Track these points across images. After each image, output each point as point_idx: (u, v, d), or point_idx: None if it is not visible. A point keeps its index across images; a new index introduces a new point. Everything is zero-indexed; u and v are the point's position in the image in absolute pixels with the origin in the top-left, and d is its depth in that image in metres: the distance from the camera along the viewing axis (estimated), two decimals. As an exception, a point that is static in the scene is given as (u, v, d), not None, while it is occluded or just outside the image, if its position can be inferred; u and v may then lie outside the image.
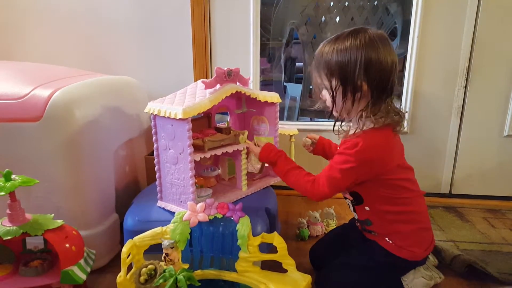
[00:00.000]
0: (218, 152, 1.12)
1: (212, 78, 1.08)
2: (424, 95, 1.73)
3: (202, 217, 1.00)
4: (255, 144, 1.18)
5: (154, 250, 0.99)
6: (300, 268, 1.00)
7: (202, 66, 1.80)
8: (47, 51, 1.89)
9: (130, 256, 0.97)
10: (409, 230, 1.02)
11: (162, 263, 0.96)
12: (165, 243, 0.96)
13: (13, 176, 0.93)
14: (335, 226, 1.49)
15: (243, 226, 0.99)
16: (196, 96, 1.08)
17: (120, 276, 0.94)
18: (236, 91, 1.13)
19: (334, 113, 1.03)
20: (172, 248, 0.96)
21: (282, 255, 0.99)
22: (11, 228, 0.93)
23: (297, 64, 2.50)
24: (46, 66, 1.52)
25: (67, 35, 1.86)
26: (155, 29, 1.81)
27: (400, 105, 1.59)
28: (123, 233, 1.10)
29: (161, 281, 0.91)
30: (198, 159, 1.06)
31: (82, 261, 0.98)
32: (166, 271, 0.93)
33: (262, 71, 1.95)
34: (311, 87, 2.35)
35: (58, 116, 1.09)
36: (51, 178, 1.12)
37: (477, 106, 1.74)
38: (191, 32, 1.77)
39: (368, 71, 0.92)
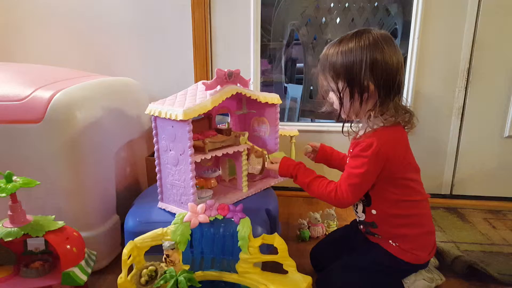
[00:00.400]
0: (219, 153, 1.12)
1: (213, 79, 1.08)
2: (425, 96, 1.73)
3: (203, 218, 1.00)
4: (271, 162, 1.16)
5: (155, 251, 0.99)
6: (300, 269, 1.00)
7: (203, 67, 1.80)
8: (48, 53, 1.89)
9: (131, 257, 0.97)
10: (414, 233, 1.02)
11: (163, 264, 0.96)
12: (166, 244, 0.96)
13: (14, 178, 0.94)
14: (335, 227, 1.49)
15: (244, 227, 0.99)
16: (197, 98, 1.08)
17: (121, 277, 0.94)
18: (237, 93, 1.14)
19: (342, 115, 1.02)
20: (172, 249, 0.96)
21: (283, 256, 0.99)
22: (12, 229, 0.93)
23: (297, 65, 2.50)
24: (47, 68, 1.52)
25: (68, 37, 1.87)
26: (156, 30, 1.81)
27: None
28: (124, 234, 1.11)
29: (161, 282, 0.92)
30: (198, 160, 1.06)
31: (83, 263, 0.98)
32: (167, 272, 0.93)
33: (263, 72, 1.95)
34: (311, 88, 2.35)
35: (59, 117, 1.09)
36: (52, 179, 1.12)
37: (477, 107, 1.74)
38: (191, 34, 1.77)
39: (374, 71, 0.93)
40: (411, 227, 1.02)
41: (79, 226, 1.09)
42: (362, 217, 1.07)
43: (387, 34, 0.96)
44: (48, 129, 1.09)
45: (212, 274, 1.03)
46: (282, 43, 2.32)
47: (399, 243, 1.02)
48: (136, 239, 0.99)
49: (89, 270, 1.00)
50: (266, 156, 1.29)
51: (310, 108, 2.38)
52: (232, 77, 1.12)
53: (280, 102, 1.27)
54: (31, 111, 1.09)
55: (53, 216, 1.02)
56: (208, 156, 1.09)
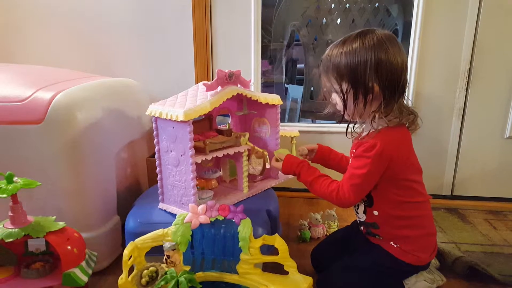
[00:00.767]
0: (220, 154, 1.12)
1: (213, 80, 1.09)
2: (425, 96, 1.73)
3: (204, 219, 1.00)
4: (275, 159, 1.16)
5: (156, 252, 0.99)
6: (301, 270, 1.00)
7: (203, 68, 1.80)
8: (48, 54, 1.89)
9: (132, 258, 0.97)
10: (416, 235, 1.02)
11: (164, 265, 0.96)
12: (167, 245, 0.96)
13: (15, 179, 0.94)
14: (336, 228, 1.49)
15: (245, 228, 0.99)
16: (197, 98, 1.08)
17: (122, 278, 0.94)
18: (237, 93, 1.14)
19: (346, 117, 1.01)
20: (173, 250, 0.96)
21: (284, 257, 0.99)
22: (13, 230, 0.93)
23: (298, 66, 2.50)
24: (47, 69, 1.53)
25: (68, 37, 1.87)
26: (156, 31, 1.81)
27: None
28: (125, 235, 1.11)
29: (162, 283, 0.92)
30: (199, 161, 1.06)
31: (83, 263, 0.98)
32: (167, 273, 0.93)
33: (263, 73, 1.95)
34: (312, 88, 2.35)
35: (59, 118, 1.10)
36: (53, 180, 1.12)
37: (478, 107, 1.74)
38: (192, 34, 1.77)
39: (379, 72, 0.92)
40: (412, 229, 1.02)
41: (80, 227, 1.09)
42: (362, 217, 1.07)
43: (391, 34, 0.96)
44: (49, 130, 1.09)
45: (212, 275, 1.03)
46: (282, 44, 2.32)
47: (400, 244, 1.02)
48: (137, 240, 0.99)
49: (90, 271, 1.00)
50: (267, 156, 1.29)
51: (311, 109, 2.38)
52: (232, 78, 1.12)
53: (281, 103, 1.27)
54: (32, 112, 1.09)
55: (54, 217, 1.02)
56: (209, 157, 1.09)
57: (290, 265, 0.99)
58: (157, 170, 1.14)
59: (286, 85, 2.49)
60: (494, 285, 1.16)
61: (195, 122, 1.07)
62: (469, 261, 1.20)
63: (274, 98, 1.25)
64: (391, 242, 1.04)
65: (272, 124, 1.29)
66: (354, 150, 1.01)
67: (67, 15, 1.84)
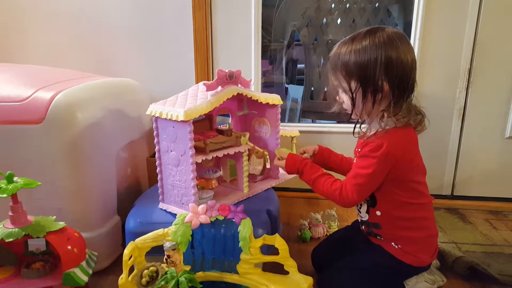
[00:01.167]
0: (220, 154, 1.12)
1: (214, 80, 1.09)
2: (426, 96, 1.73)
3: (204, 219, 1.00)
4: (278, 158, 1.16)
5: (156, 252, 0.99)
6: (301, 270, 1.00)
7: (204, 68, 1.80)
8: (49, 54, 1.89)
9: (132, 258, 0.97)
10: (418, 236, 1.01)
11: (164, 265, 0.96)
12: (167, 245, 0.96)
13: (15, 178, 0.94)
14: (336, 228, 1.49)
15: (245, 228, 0.99)
16: (198, 98, 1.08)
17: (122, 278, 0.94)
18: (238, 93, 1.13)
19: (354, 116, 1.00)
20: (173, 250, 0.96)
21: (284, 257, 0.99)
22: (13, 230, 0.93)
23: (298, 66, 2.50)
24: (48, 69, 1.53)
25: (69, 37, 1.87)
26: (156, 31, 1.81)
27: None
28: (125, 235, 1.11)
29: (162, 283, 0.92)
30: (199, 161, 1.06)
31: (84, 263, 0.98)
32: (167, 273, 0.93)
33: (264, 73, 1.95)
34: (312, 88, 2.35)
35: (60, 118, 1.10)
36: (53, 180, 1.12)
37: (479, 107, 1.74)
38: (192, 34, 1.77)
39: (389, 71, 0.90)
40: (415, 230, 1.01)
41: (80, 226, 1.10)
42: (365, 217, 1.06)
43: (401, 32, 0.94)
44: (49, 130, 1.09)
45: (213, 275, 1.03)
46: (283, 44, 2.32)
47: (402, 245, 1.02)
48: (137, 239, 0.99)
49: (90, 271, 1.00)
50: (267, 156, 1.29)
51: (311, 109, 2.38)
52: (233, 77, 1.12)
53: (281, 103, 1.27)
54: (32, 112, 1.09)
55: (54, 216, 1.02)
56: (209, 157, 1.09)
57: (290, 265, 0.99)
58: (157, 170, 1.14)
59: (286, 85, 2.49)
60: (494, 285, 1.16)
61: (196, 122, 1.07)
62: (469, 261, 1.20)
63: (274, 98, 1.25)
64: (392, 243, 1.03)
65: (272, 124, 1.29)
66: (359, 150, 1.00)
67: (67, 15, 1.84)
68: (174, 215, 1.06)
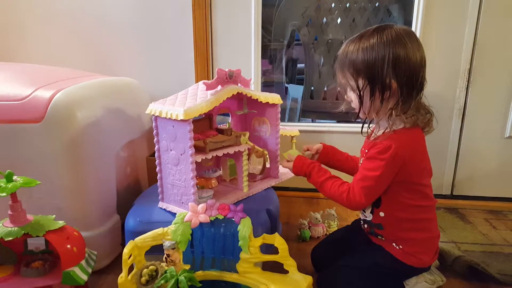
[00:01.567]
0: (220, 153, 1.12)
1: (214, 79, 1.08)
2: (426, 96, 1.72)
3: (204, 218, 1.00)
4: (287, 160, 1.15)
5: (156, 251, 0.99)
6: (301, 269, 1.00)
7: (204, 67, 1.80)
8: (49, 53, 1.89)
9: (132, 257, 0.97)
10: (420, 237, 1.01)
11: (163, 264, 0.96)
12: (167, 244, 0.96)
13: (14, 177, 0.94)
14: (336, 228, 1.49)
15: (244, 227, 0.99)
16: (198, 98, 1.08)
17: (122, 277, 0.94)
18: (238, 93, 1.13)
19: (361, 115, 0.99)
20: (173, 249, 0.96)
21: (283, 256, 0.99)
22: (13, 229, 0.93)
23: (298, 65, 2.50)
24: (47, 68, 1.53)
25: (69, 36, 1.87)
26: (156, 30, 1.81)
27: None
28: (125, 234, 1.10)
29: (162, 282, 0.91)
30: (199, 160, 1.06)
31: (83, 262, 0.98)
32: (167, 272, 0.93)
33: (264, 73, 1.95)
34: (312, 88, 2.35)
35: (59, 117, 1.09)
36: (53, 179, 1.12)
37: (478, 107, 1.74)
38: (192, 33, 1.77)
39: (397, 68, 0.89)
40: (417, 231, 1.01)
41: (80, 225, 1.09)
42: (369, 217, 1.06)
43: (410, 30, 0.93)
44: (49, 128, 1.09)
45: (212, 274, 1.03)
46: (283, 44, 2.32)
47: (403, 246, 1.01)
48: (137, 238, 0.99)
49: (90, 270, 1.00)
50: (267, 156, 1.29)
51: (311, 108, 2.38)
52: (233, 77, 1.12)
53: (281, 102, 1.27)
54: (31, 111, 1.09)
55: (54, 215, 1.02)
56: (209, 156, 1.09)
57: (290, 264, 0.99)
58: (157, 169, 1.14)
59: (286, 85, 2.49)
60: (494, 284, 1.16)
61: (195, 121, 1.07)
62: (468, 261, 1.20)
63: (274, 97, 1.25)
64: (394, 244, 1.03)
65: (272, 123, 1.29)
66: (366, 150, 0.99)
67: (67, 14, 1.84)
68: (174, 214, 1.06)
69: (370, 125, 1.02)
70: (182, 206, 1.10)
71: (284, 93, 2.46)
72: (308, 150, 1.20)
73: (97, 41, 1.86)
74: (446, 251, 1.26)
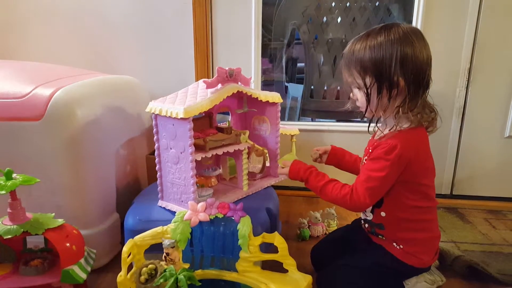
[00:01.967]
0: (219, 151, 1.12)
1: (214, 77, 1.08)
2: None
3: (203, 216, 1.00)
4: (282, 166, 1.12)
5: (155, 249, 0.99)
6: (301, 268, 1.00)
7: (204, 65, 1.80)
8: (48, 51, 1.89)
9: (131, 256, 0.97)
10: (421, 237, 1.01)
11: (163, 263, 0.95)
12: (166, 242, 0.96)
13: (14, 175, 0.93)
14: (336, 227, 1.49)
15: (244, 226, 0.99)
16: (198, 96, 1.07)
17: (121, 276, 0.94)
18: (238, 91, 1.13)
19: (368, 113, 0.98)
20: (172, 247, 0.96)
21: (283, 255, 0.99)
22: (12, 227, 0.93)
23: (298, 64, 2.50)
24: (47, 65, 1.52)
25: (69, 34, 1.86)
26: (156, 28, 1.81)
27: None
28: (124, 232, 1.10)
29: (161, 280, 0.91)
30: (199, 158, 1.06)
31: (82, 261, 0.98)
32: (166, 270, 0.93)
33: (264, 71, 1.95)
34: (312, 87, 2.34)
35: (59, 115, 1.09)
36: (52, 177, 1.12)
37: (478, 106, 1.74)
38: (192, 32, 1.77)
39: (405, 66, 0.89)
40: (418, 231, 1.01)
41: (79, 224, 1.09)
42: (370, 216, 1.06)
43: (416, 28, 0.94)
44: (48, 126, 1.09)
45: (212, 273, 1.03)
46: (283, 43, 2.31)
47: (404, 245, 1.01)
48: (136, 237, 0.99)
49: (89, 268, 1.00)
50: (267, 155, 1.29)
51: (311, 107, 2.37)
52: (233, 75, 1.12)
53: (281, 101, 1.27)
54: (31, 109, 1.09)
55: (53, 214, 1.02)
56: (209, 155, 1.09)
57: (289, 263, 0.99)
58: (157, 167, 1.14)
59: (286, 84, 2.49)
60: (493, 284, 1.16)
61: (195, 120, 1.07)
62: (468, 260, 1.20)
63: (274, 96, 1.24)
64: (394, 243, 1.03)
65: (272, 122, 1.29)
66: (370, 150, 0.99)
67: (68, 12, 1.83)
68: (173, 212, 1.06)
69: (377, 124, 1.01)
70: (181, 205, 1.10)
71: (284, 92, 2.46)
72: (318, 151, 1.20)
73: (97, 39, 1.86)
74: (445, 251, 1.26)
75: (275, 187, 1.35)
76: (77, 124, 1.11)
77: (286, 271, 1.00)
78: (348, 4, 2.08)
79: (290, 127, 1.48)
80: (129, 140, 1.42)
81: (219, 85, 1.10)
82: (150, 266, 0.94)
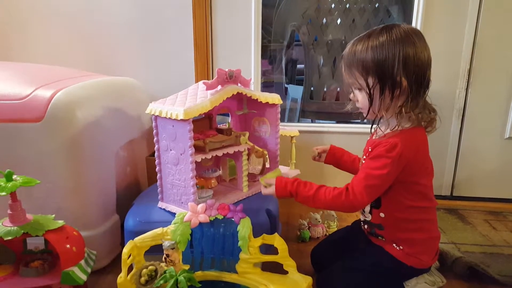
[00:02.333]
0: (219, 153, 1.12)
1: (214, 79, 1.08)
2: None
3: (203, 218, 1.00)
4: (264, 186, 1.07)
5: (155, 251, 0.99)
6: (301, 269, 1.00)
7: (204, 67, 1.80)
8: (49, 52, 1.89)
9: (131, 257, 0.97)
10: (420, 238, 1.01)
11: (163, 264, 0.95)
12: (166, 244, 0.96)
13: (14, 177, 0.93)
14: (336, 228, 1.49)
15: (244, 227, 0.99)
16: (197, 97, 1.08)
17: (121, 277, 0.94)
18: (237, 92, 1.13)
19: (370, 114, 0.98)
20: (172, 249, 0.96)
21: (283, 256, 0.99)
22: (12, 228, 0.92)
23: (298, 66, 2.50)
24: (48, 67, 1.52)
25: (69, 36, 1.87)
26: (157, 30, 1.81)
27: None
28: (124, 234, 1.10)
29: (161, 282, 0.91)
30: (199, 160, 1.06)
31: (82, 262, 0.98)
32: (166, 272, 0.93)
33: (263, 73, 1.95)
34: (312, 88, 2.35)
35: (59, 116, 1.09)
36: (52, 178, 1.12)
37: (478, 108, 1.74)
38: (192, 33, 1.77)
39: (407, 66, 0.90)
40: (418, 232, 1.01)
41: (79, 225, 1.09)
42: (368, 217, 1.06)
43: (417, 29, 0.94)
44: (49, 128, 1.09)
45: (212, 274, 1.03)
46: (282, 44, 2.32)
47: (404, 246, 1.01)
48: (136, 238, 0.99)
49: (89, 270, 0.99)
50: (267, 156, 1.28)
51: (311, 109, 2.37)
52: (233, 77, 1.12)
53: (281, 102, 1.27)
54: (31, 110, 1.09)
55: (53, 215, 1.02)
56: (209, 156, 1.09)
57: (289, 264, 0.99)
58: (157, 169, 1.14)
59: (286, 85, 2.49)
60: (494, 285, 1.16)
61: (195, 121, 1.07)
62: (468, 262, 1.20)
63: (274, 98, 1.24)
64: (394, 244, 1.03)
65: (272, 123, 1.29)
66: (370, 149, 0.98)
67: (67, 13, 1.83)
68: (173, 214, 1.06)
69: (378, 124, 1.01)
70: (181, 206, 1.10)
71: (283, 94, 2.46)
72: (317, 150, 1.21)
73: (97, 41, 1.86)
74: (446, 252, 1.26)
75: (275, 188, 1.35)
76: (77, 125, 1.11)
77: (286, 272, 1.00)
78: (347, 6, 2.08)
79: (290, 129, 1.48)
80: (129, 141, 1.42)
81: (219, 87, 1.10)
82: (150, 267, 0.94)
